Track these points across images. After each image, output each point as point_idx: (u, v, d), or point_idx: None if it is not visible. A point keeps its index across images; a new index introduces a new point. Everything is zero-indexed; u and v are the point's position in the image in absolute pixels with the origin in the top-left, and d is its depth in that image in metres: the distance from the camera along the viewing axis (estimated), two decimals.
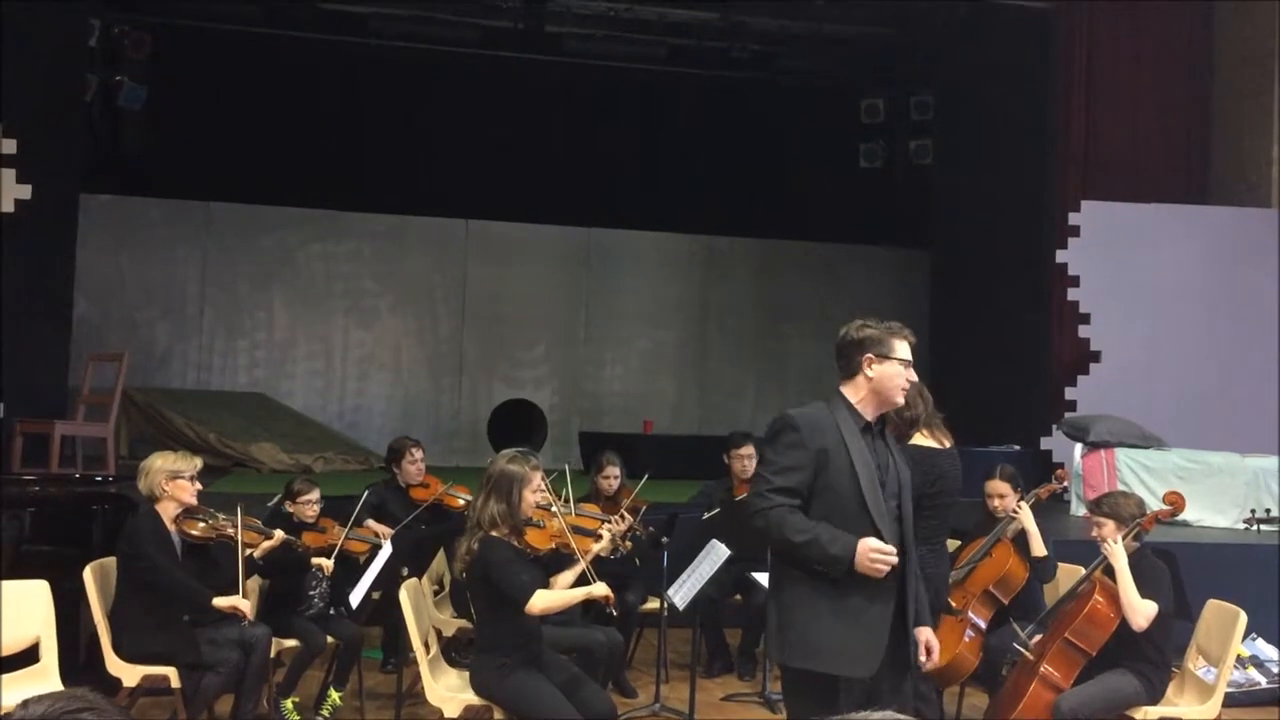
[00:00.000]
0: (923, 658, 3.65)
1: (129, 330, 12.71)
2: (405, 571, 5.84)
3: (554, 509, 5.16)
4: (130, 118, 12.25)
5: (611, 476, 6.81)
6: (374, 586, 5.58)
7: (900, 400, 3.67)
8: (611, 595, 4.57)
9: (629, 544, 5.72)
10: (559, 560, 4.92)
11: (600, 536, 5.12)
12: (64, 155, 10.11)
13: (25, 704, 1.63)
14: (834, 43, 13.23)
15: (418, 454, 6.86)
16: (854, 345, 3.63)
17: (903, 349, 3.63)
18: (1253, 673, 6.55)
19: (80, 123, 10.95)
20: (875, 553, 3.42)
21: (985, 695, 5.48)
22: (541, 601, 4.38)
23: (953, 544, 5.46)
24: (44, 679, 4.37)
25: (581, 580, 4.70)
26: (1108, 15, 10.87)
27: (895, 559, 3.44)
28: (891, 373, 3.59)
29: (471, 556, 4.41)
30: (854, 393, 3.63)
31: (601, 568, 5.29)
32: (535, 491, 4.56)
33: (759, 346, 14.65)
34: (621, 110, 13.56)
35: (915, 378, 3.67)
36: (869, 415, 3.62)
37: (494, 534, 4.43)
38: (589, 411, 14.19)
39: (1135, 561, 4.72)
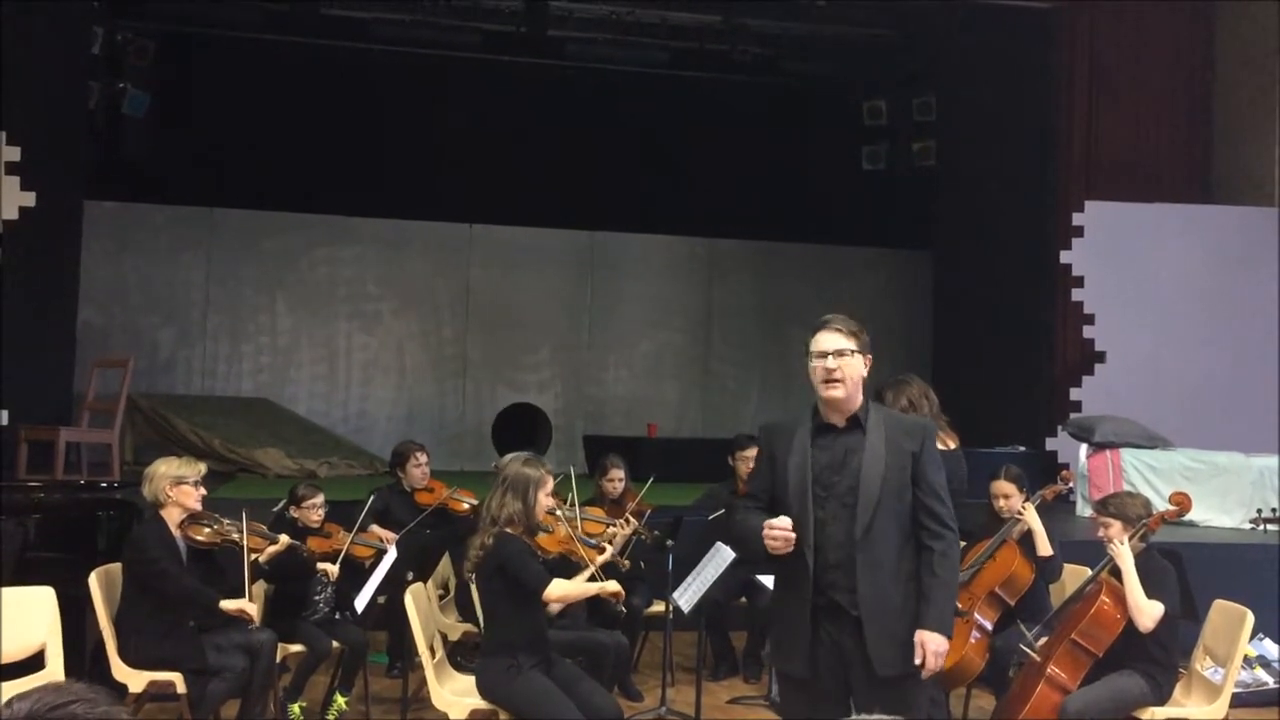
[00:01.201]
0: (916, 660, 3.52)
1: (133, 336, 12.72)
2: (410, 576, 5.84)
3: (559, 513, 5.18)
4: (133, 124, 12.27)
5: (616, 480, 6.80)
6: (379, 591, 5.58)
7: (825, 393, 3.60)
8: (622, 592, 4.66)
9: (627, 562, 5.73)
10: (566, 566, 4.92)
11: (604, 549, 5.17)
12: (68, 162, 10.13)
13: (10, 702, 1.59)
14: (836, 45, 13.23)
15: (422, 458, 6.86)
16: None
17: (815, 342, 3.63)
18: (1260, 673, 6.53)
19: (84, 130, 10.97)
20: (767, 529, 3.49)
21: (992, 697, 5.46)
22: (559, 589, 4.45)
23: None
24: None
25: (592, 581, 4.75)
26: (1109, 14, 10.88)
27: (788, 534, 3.47)
28: (812, 368, 3.63)
29: (485, 551, 4.43)
30: None
31: (607, 570, 5.31)
32: (548, 495, 4.61)
33: (762, 349, 14.63)
34: (623, 113, 13.56)
35: (831, 365, 3.56)
36: (832, 416, 3.63)
37: (509, 530, 4.46)
38: (593, 415, 14.19)
39: (1141, 562, 4.71)
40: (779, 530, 3.48)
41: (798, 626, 3.56)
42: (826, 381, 3.58)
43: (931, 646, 3.52)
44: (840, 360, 3.57)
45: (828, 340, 3.60)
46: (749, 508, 3.70)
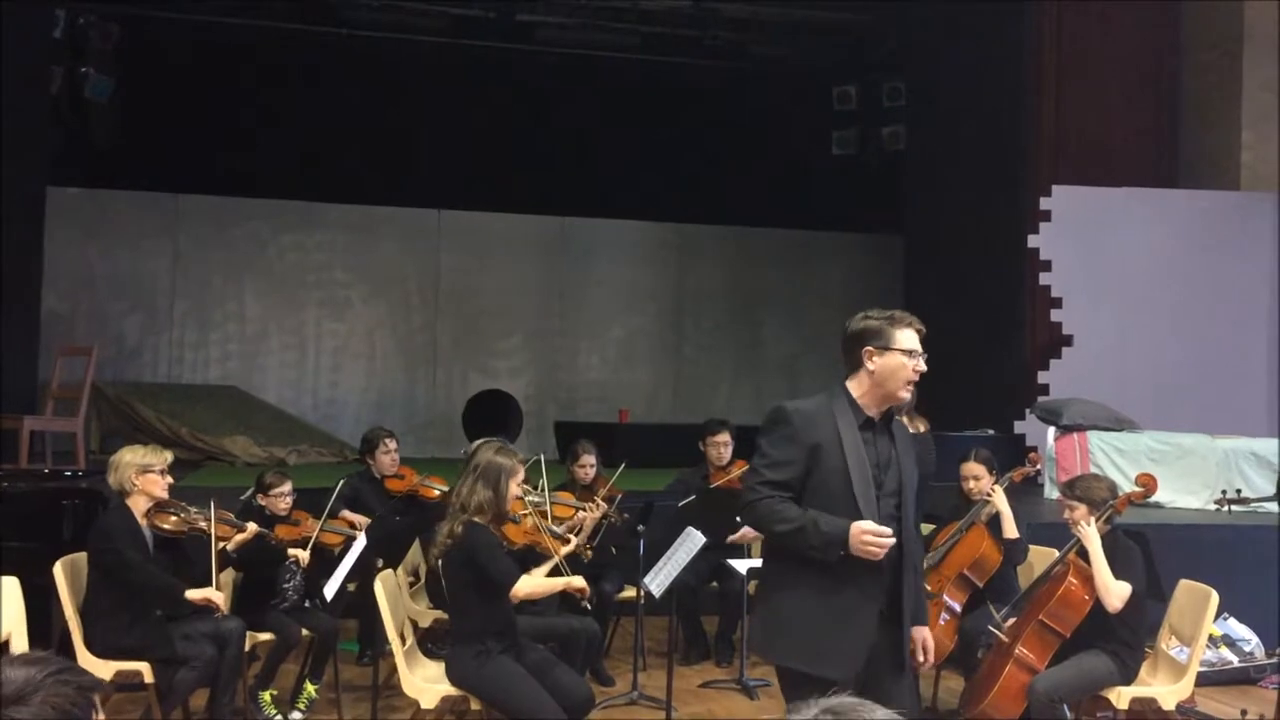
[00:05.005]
0: (920, 657, 3.54)
1: (99, 324, 12.60)
2: (380, 563, 5.82)
3: (529, 500, 5.17)
4: (97, 109, 12.12)
5: (587, 465, 6.80)
6: (349, 578, 5.54)
7: (904, 394, 3.45)
8: (586, 589, 4.67)
9: (590, 551, 5.74)
10: (532, 556, 4.92)
11: (569, 540, 5.18)
12: (30, 148, 10.01)
13: None
14: (806, 30, 13.25)
15: (392, 445, 6.83)
16: (854, 338, 3.48)
17: (905, 339, 3.44)
18: (1225, 652, 6.61)
19: (47, 115, 10.83)
20: (868, 534, 3.29)
21: (961, 678, 5.50)
22: (525, 587, 4.44)
23: (926, 528, 5.48)
24: None
25: (556, 573, 4.74)
26: (1077, 1, 10.91)
27: (890, 540, 3.32)
28: (893, 365, 3.42)
29: (454, 539, 4.38)
30: (857, 387, 3.48)
31: (578, 556, 5.30)
32: (518, 485, 4.58)
33: (734, 334, 14.67)
34: (594, 99, 13.52)
35: (923, 368, 3.43)
36: (871, 410, 3.47)
37: (478, 519, 4.43)
38: (564, 401, 14.18)
39: (1108, 543, 4.75)
40: (880, 538, 3.29)
41: (853, 628, 3.38)
42: (911, 382, 3.46)
43: (931, 643, 3.61)
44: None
45: (917, 340, 3.45)
46: (781, 498, 3.40)
